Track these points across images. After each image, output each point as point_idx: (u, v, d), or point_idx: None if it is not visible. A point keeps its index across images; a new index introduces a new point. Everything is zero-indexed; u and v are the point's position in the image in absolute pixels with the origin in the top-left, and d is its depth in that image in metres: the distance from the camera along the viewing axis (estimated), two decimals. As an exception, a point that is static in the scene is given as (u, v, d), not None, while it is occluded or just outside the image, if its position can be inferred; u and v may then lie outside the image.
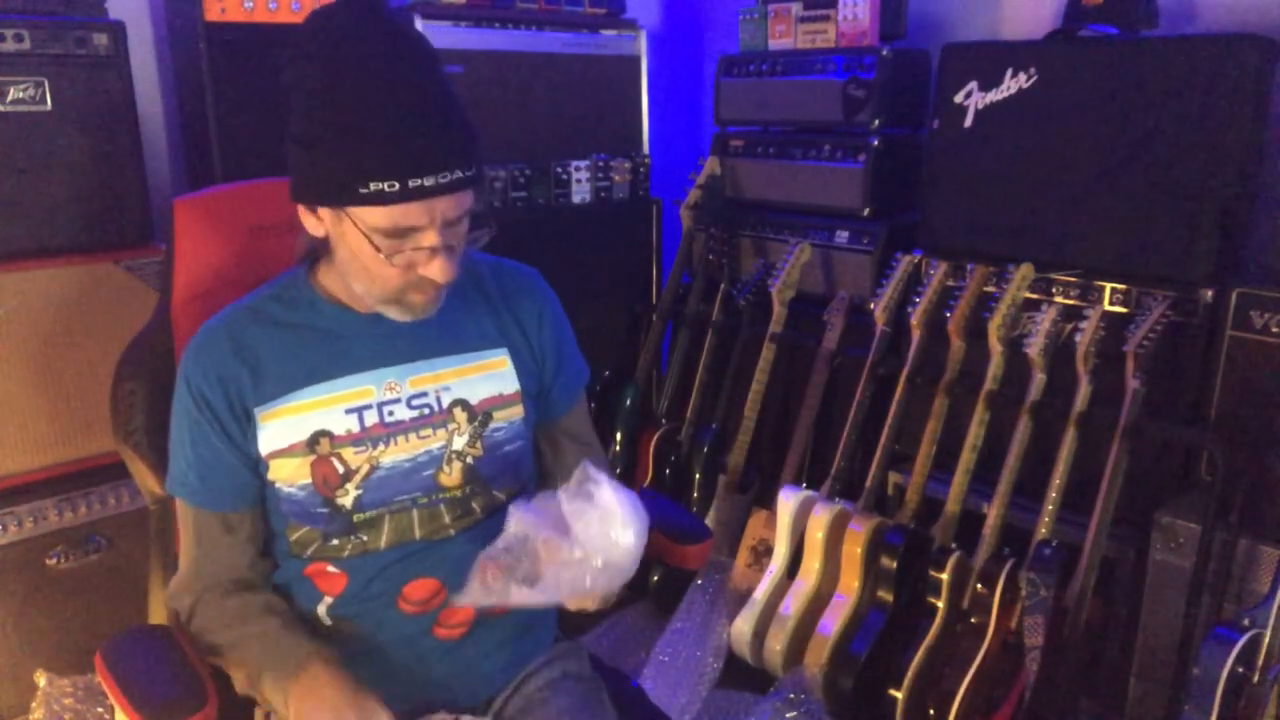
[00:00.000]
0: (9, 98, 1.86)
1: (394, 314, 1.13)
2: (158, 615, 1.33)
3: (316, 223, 1.09)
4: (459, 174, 1.02)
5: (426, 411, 1.17)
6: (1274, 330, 1.83)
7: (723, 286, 2.71)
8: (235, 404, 1.12)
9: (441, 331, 1.19)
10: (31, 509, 1.96)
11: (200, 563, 1.17)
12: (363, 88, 0.99)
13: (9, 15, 1.86)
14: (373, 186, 0.99)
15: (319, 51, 1.01)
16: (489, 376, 1.21)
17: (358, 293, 1.12)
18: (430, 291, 1.10)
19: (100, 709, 1.94)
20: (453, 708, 1.19)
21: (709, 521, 2.58)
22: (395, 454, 1.15)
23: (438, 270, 1.06)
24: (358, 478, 1.13)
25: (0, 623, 1.94)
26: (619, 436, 2.71)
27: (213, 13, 2.13)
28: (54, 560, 2.00)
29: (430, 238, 1.04)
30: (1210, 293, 1.92)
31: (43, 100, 1.90)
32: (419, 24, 2.43)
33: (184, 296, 1.32)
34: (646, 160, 2.93)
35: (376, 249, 1.04)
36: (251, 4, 2.17)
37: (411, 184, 0.99)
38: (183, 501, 1.17)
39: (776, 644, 2.16)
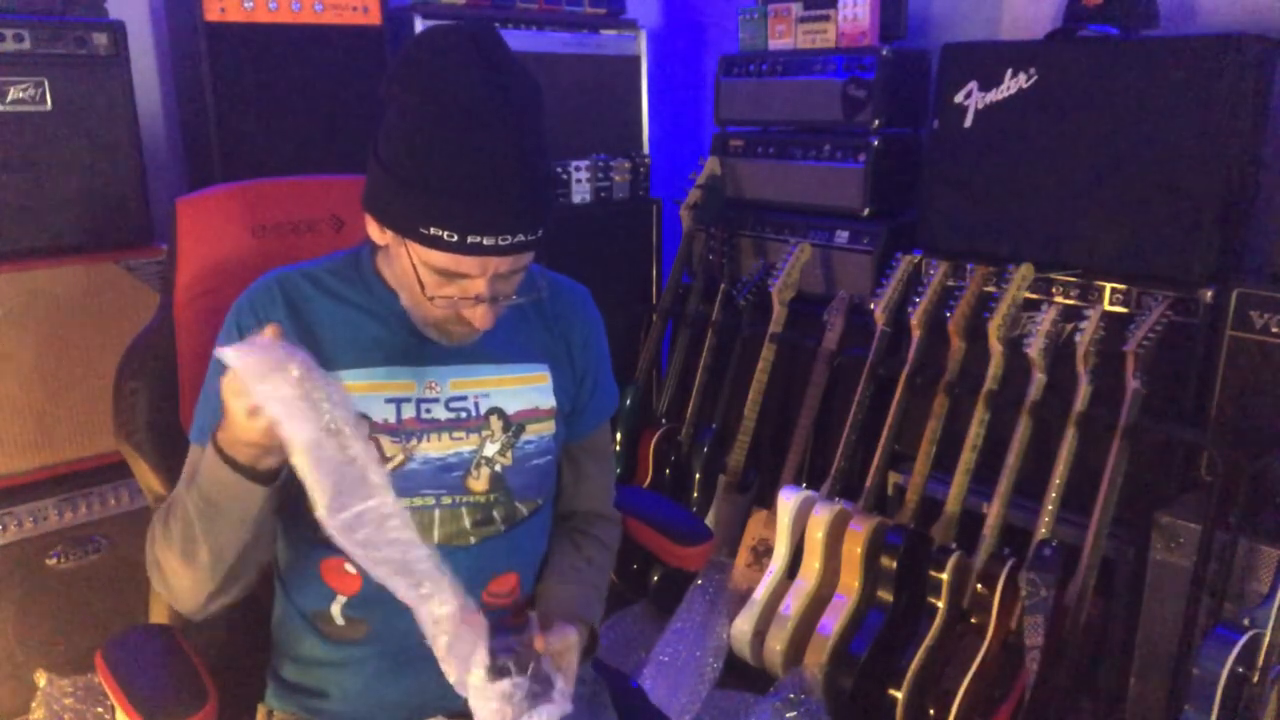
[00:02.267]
0: (9, 98, 1.86)
1: (432, 335, 1.15)
2: (158, 615, 1.33)
3: (380, 234, 1.09)
4: (522, 238, 1.02)
5: (463, 415, 1.17)
6: (1274, 330, 1.83)
7: (723, 286, 2.71)
8: None
9: (489, 339, 1.18)
10: (31, 509, 1.96)
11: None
12: (451, 131, 0.98)
13: (9, 15, 1.86)
14: (433, 231, 1.00)
15: (419, 78, 1.00)
16: (528, 389, 1.22)
17: (404, 305, 1.14)
18: (468, 328, 1.11)
19: (100, 709, 1.94)
20: (453, 712, 1.19)
21: (709, 521, 2.58)
22: (428, 450, 1.15)
23: (478, 317, 1.08)
24: (390, 465, 1.14)
25: (0, 623, 1.94)
26: (619, 436, 2.71)
27: (213, 13, 2.13)
28: (54, 560, 2.00)
29: (478, 287, 1.05)
30: (1210, 293, 1.92)
31: (43, 100, 1.90)
32: (418, 24, 2.43)
33: (186, 296, 1.32)
34: (646, 160, 2.93)
35: (422, 285, 1.05)
36: (251, 4, 2.17)
37: (470, 239, 1.00)
38: (202, 454, 1.12)
39: (776, 644, 2.16)
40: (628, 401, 2.72)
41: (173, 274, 1.33)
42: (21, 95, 1.88)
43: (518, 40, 2.61)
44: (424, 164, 0.99)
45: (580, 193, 2.78)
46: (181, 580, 1.07)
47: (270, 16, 2.20)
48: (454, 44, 1.00)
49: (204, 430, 1.13)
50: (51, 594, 2.00)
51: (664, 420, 2.75)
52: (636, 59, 2.90)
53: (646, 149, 2.97)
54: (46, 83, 1.90)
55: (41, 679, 1.95)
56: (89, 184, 1.98)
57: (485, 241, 1.00)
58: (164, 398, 1.29)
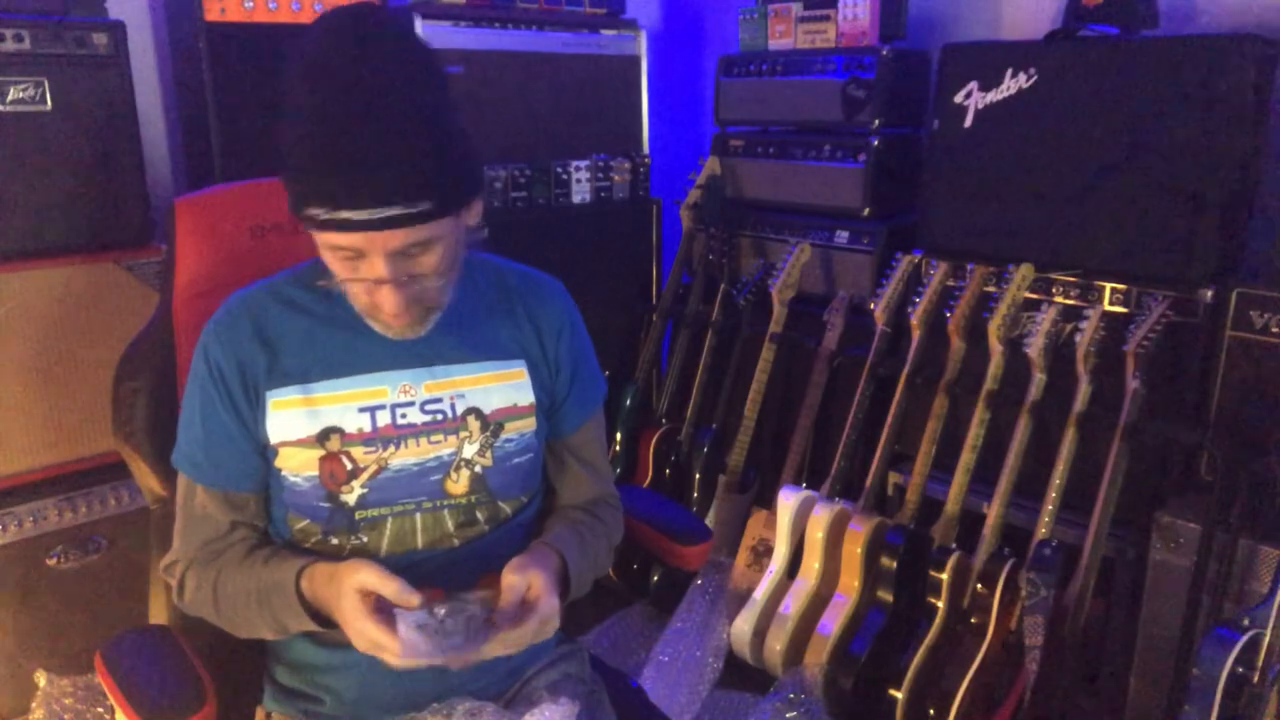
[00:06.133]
0: (9, 98, 1.86)
1: (377, 328, 1.13)
2: (158, 615, 1.33)
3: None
4: (399, 210, 0.97)
5: (440, 417, 1.16)
6: (1274, 330, 1.83)
7: (723, 286, 2.71)
8: (249, 384, 1.12)
9: (461, 338, 1.18)
10: (31, 509, 1.96)
11: (190, 536, 1.16)
12: (319, 108, 0.96)
13: (9, 15, 1.85)
14: (310, 210, 0.98)
15: (297, 62, 0.99)
16: (505, 387, 1.20)
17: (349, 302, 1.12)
18: (398, 319, 1.08)
19: (100, 709, 1.94)
20: (449, 712, 1.19)
21: (709, 521, 2.58)
22: (404, 457, 1.15)
23: (384, 301, 1.04)
24: (364, 476, 1.13)
25: (0, 623, 1.94)
26: (619, 436, 2.71)
27: (213, 13, 2.13)
28: (54, 560, 2.00)
29: (376, 268, 1.02)
30: (1210, 293, 1.92)
31: (43, 100, 1.90)
32: (419, 25, 2.43)
33: (185, 296, 1.32)
34: (646, 160, 2.93)
35: (327, 263, 1.05)
36: (251, 4, 2.17)
37: (342, 215, 0.97)
38: (184, 477, 1.16)
39: (776, 644, 2.16)
40: (628, 401, 2.72)
41: (172, 274, 1.33)
42: (21, 95, 1.88)
43: (518, 40, 2.61)
44: (294, 144, 0.98)
45: (580, 193, 2.77)
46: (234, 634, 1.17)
47: (270, 16, 2.20)
48: (331, 25, 0.99)
49: (186, 457, 1.15)
50: (51, 594, 2.00)
51: (664, 420, 2.75)
52: (636, 59, 2.90)
53: (646, 149, 2.97)
54: (46, 83, 1.90)
55: (41, 679, 1.95)
56: (89, 184, 1.98)
57: (355, 217, 0.97)
58: (163, 398, 1.29)
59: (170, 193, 2.41)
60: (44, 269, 1.94)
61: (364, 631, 1.00)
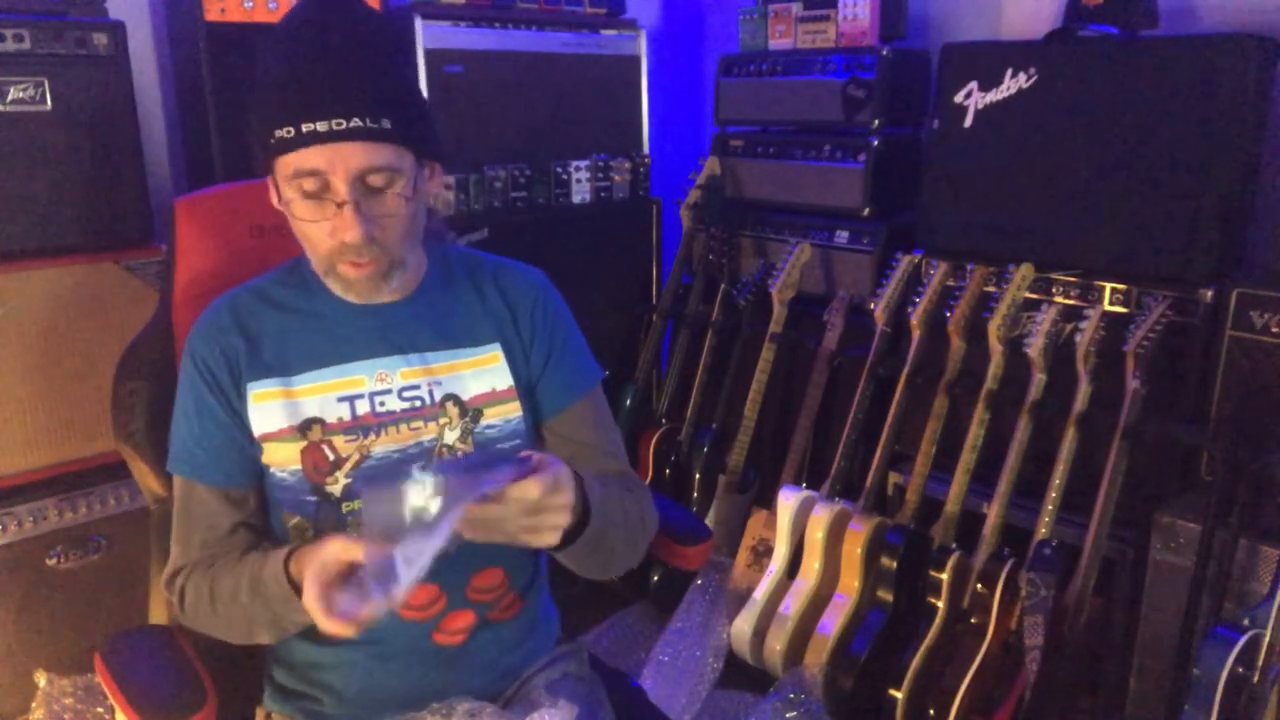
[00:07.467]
0: (9, 98, 1.86)
1: (337, 289, 1.15)
2: (158, 615, 1.33)
3: (272, 194, 1.11)
4: (359, 123, 1.02)
5: (418, 404, 1.17)
6: (1274, 330, 1.83)
7: (723, 286, 2.71)
8: (234, 377, 1.14)
9: (436, 325, 1.19)
10: (31, 509, 1.96)
11: (190, 541, 1.16)
12: (281, 46, 1.05)
13: (9, 15, 1.85)
14: (277, 134, 1.03)
15: (272, 31, 1.09)
16: (481, 372, 1.20)
17: (314, 268, 1.13)
18: (354, 262, 1.08)
19: (100, 709, 1.94)
20: (449, 712, 1.19)
21: (709, 521, 2.58)
22: (386, 444, 1.15)
23: (346, 225, 1.04)
24: (347, 465, 1.14)
25: (0, 623, 1.94)
26: (619, 436, 2.71)
27: (213, 13, 2.13)
28: (54, 560, 2.00)
29: (339, 190, 1.03)
30: (1210, 293, 1.92)
31: (43, 100, 1.90)
32: (419, 25, 2.43)
33: (185, 296, 1.32)
34: (646, 160, 2.93)
35: (289, 202, 1.06)
36: (251, 4, 2.17)
37: (305, 128, 1.01)
38: (183, 480, 1.16)
39: (776, 644, 2.16)
40: (628, 402, 2.72)
41: (172, 274, 1.33)
42: (21, 95, 1.88)
43: (518, 40, 2.61)
44: (262, 80, 1.05)
45: (580, 193, 2.77)
46: (234, 640, 1.15)
47: (270, 17, 2.20)
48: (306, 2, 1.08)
49: (184, 458, 1.16)
50: (51, 594, 2.00)
51: (664, 420, 2.75)
52: (636, 59, 2.90)
53: (646, 149, 2.97)
54: (46, 83, 1.90)
55: (41, 679, 1.95)
56: (89, 184, 1.98)
57: (319, 127, 1.01)
58: (163, 398, 1.29)
59: (170, 193, 2.41)
60: (44, 269, 1.93)
61: (310, 593, 0.94)
